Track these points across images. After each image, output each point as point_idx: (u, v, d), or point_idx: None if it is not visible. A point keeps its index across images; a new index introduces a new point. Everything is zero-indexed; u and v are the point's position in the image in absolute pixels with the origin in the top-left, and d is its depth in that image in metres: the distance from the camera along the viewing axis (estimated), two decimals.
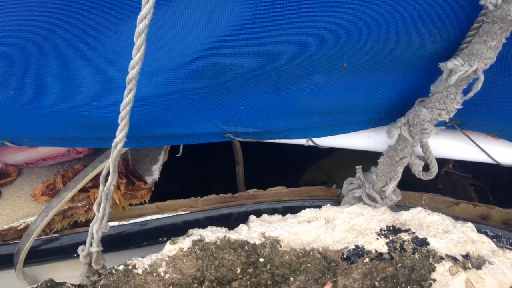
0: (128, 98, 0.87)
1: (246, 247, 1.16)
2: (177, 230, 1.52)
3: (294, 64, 1.06)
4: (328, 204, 1.32)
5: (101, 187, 1.06)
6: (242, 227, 1.23)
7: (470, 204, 1.53)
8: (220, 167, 2.62)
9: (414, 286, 1.11)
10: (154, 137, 1.24)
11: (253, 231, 1.21)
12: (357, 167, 1.43)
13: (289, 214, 1.29)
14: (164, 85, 1.06)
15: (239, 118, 1.25)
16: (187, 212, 1.54)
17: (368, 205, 1.34)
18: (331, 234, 1.22)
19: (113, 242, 1.48)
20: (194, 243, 1.16)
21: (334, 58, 1.06)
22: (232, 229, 1.29)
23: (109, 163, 0.97)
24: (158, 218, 1.53)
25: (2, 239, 1.48)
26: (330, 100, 1.20)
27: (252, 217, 1.28)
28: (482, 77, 1.01)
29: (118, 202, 1.49)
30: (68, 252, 1.52)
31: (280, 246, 1.17)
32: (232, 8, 0.94)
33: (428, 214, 1.28)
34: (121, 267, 1.12)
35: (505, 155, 1.36)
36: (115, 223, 1.50)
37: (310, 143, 1.41)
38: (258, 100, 1.18)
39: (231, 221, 1.51)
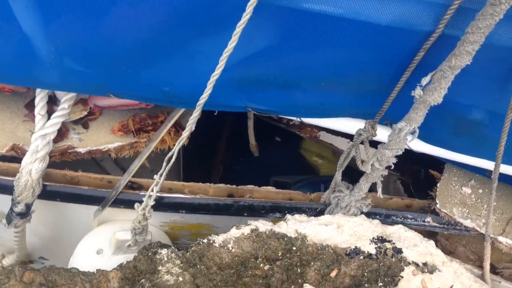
0: (212, 80, 1.42)
1: (285, 238, 1.77)
2: (193, 208, 2.11)
3: (294, 77, 1.69)
4: (340, 213, 1.94)
5: (164, 164, 1.66)
6: (282, 223, 1.84)
7: (399, 199, 2.24)
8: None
9: (389, 279, 1.74)
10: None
11: (290, 227, 1.82)
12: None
13: (312, 217, 1.90)
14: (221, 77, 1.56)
15: (259, 100, 1.83)
16: (202, 197, 2.10)
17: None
18: (340, 236, 1.83)
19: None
20: (252, 230, 1.77)
21: (316, 78, 1.69)
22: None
23: (193, 118, 1.54)
24: (182, 197, 2.10)
25: (91, 155, 2.09)
26: (315, 100, 1.80)
27: (289, 216, 1.89)
28: (417, 131, 1.61)
29: (167, 142, 2.10)
30: (124, 203, 2.08)
31: (307, 240, 1.78)
32: (264, 38, 1.51)
33: (406, 231, 1.91)
34: (205, 240, 1.73)
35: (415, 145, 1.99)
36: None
37: (299, 120, 2.07)
38: (272, 93, 1.77)
39: (232, 210, 2.11)
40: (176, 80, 1.71)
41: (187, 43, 1.55)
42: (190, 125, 1.54)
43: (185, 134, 1.56)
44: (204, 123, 1.75)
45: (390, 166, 1.76)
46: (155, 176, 1.69)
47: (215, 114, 1.88)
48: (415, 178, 2.82)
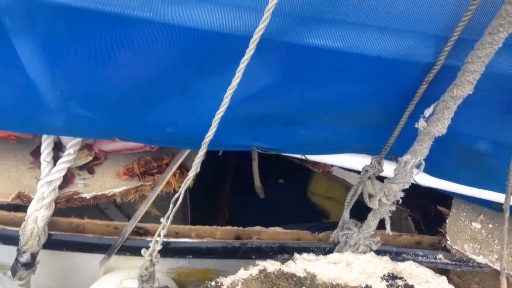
0: (217, 117, 1.41)
1: (294, 278, 1.73)
2: (200, 252, 2.09)
3: (298, 114, 1.71)
4: (349, 251, 1.91)
5: (171, 206, 1.63)
6: (290, 263, 1.81)
7: (409, 235, 2.22)
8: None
9: None
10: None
11: (298, 266, 1.78)
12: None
13: (321, 256, 1.87)
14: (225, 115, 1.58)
15: (263, 138, 1.84)
16: (209, 240, 2.09)
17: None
18: (349, 274, 1.79)
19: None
20: (260, 271, 1.74)
21: (319, 113, 1.70)
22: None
23: (198, 158, 1.51)
24: (189, 241, 2.08)
25: (97, 201, 2.09)
26: (319, 136, 1.82)
27: (297, 255, 1.85)
28: (423, 164, 1.59)
29: (173, 185, 2.11)
30: (131, 250, 2.07)
31: (317, 280, 1.74)
32: (267, 74, 1.53)
33: (416, 267, 1.87)
34: (213, 283, 1.69)
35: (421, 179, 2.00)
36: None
37: (303, 157, 2.04)
38: (276, 131, 1.78)
39: (239, 252, 2.10)
40: (180, 121, 1.73)
41: (188, 84, 1.58)
42: (196, 164, 1.54)
43: (191, 174, 1.56)
44: (209, 164, 1.76)
45: (398, 201, 1.75)
46: (161, 219, 1.68)
47: (219, 154, 1.89)
48: (426, 215, 2.79)
